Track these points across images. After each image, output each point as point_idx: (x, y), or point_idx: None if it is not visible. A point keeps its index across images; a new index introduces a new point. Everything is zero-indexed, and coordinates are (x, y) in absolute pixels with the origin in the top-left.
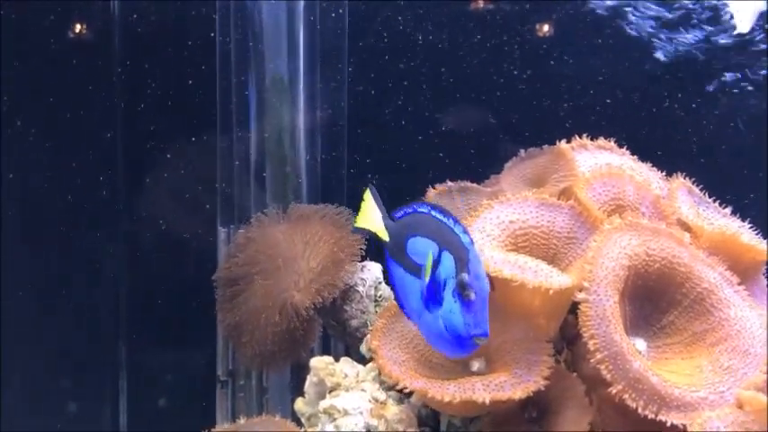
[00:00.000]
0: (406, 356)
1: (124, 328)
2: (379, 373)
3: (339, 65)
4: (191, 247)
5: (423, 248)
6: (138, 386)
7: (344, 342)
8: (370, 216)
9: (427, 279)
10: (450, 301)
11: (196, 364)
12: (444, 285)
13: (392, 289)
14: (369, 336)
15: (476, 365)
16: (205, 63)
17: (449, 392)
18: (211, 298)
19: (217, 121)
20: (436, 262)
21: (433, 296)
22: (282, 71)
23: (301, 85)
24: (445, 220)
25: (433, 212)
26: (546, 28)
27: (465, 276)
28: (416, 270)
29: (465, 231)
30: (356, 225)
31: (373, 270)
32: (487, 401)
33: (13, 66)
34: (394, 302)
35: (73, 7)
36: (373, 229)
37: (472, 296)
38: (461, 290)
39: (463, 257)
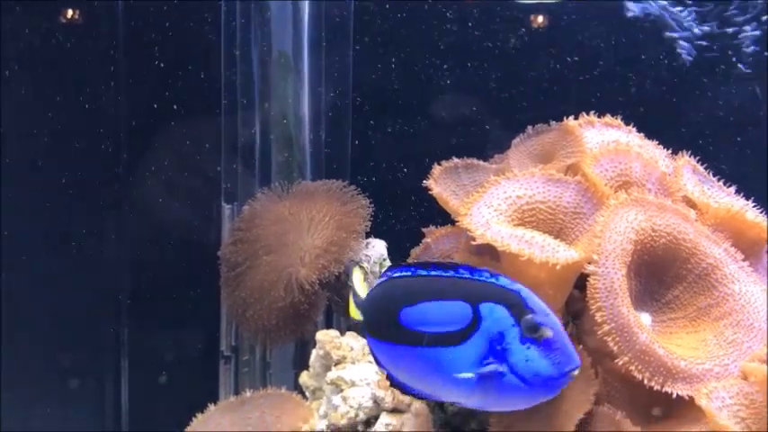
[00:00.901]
0: None
1: (126, 305)
2: None
3: (344, 41)
4: (194, 223)
5: (439, 314)
6: (141, 362)
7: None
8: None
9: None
10: (520, 350)
11: (199, 340)
12: (502, 339)
13: (387, 376)
14: None
15: None
16: (210, 40)
17: None
18: (215, 274)
19: (221, 97)
20: (474, 320)
21: (488, 356)
22: (288, 48)
23: (306, 63)
24: (460, 273)
25: (434, 272)
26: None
27: (531, 317)
28: (428, 341)
29: (494, 275)
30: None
31: (378, 247)
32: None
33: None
34: None
35: None
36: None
37: (549, 333)
38: (533, 333)
39: (515, 301)
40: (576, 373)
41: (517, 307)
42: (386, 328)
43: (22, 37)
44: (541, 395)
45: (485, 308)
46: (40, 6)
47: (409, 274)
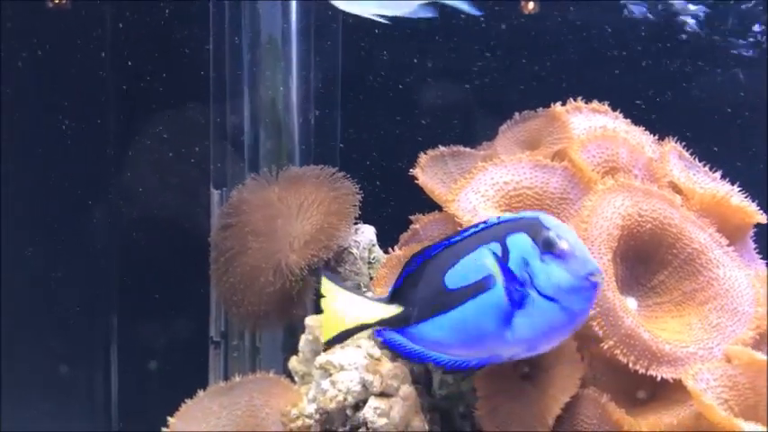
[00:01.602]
0: None
1: (115, 292)
2: None
3: (333, 25)
4: (183, 209)
5: (477, 263)
6: (131, 349)
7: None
8: (348, 308)
9: (500, 279)
10: (541, 269)
11: (188, 326)
12: (527, 264)
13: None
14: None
15: None
16: (198, 24)
17: None
18: (203, 259)
19: (209, 82)
20: (503, 255)
21: (517, 284)
22: (277, 33)
23: (294, 47)
24: (487, 224)
25: (464, 234)
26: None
27: (545, 233)
28: (473, 290)
29: (510, 218)
30: (328, 339)
31: (367, 232)
32: None
33: None
34: (394, 254)
35: None
36: (364, 322)
37: (564, 244)
38: (550, 248)
39: (534, 224)
40: (598, 278)
41: (535, 228)
42: (432, 300)
43: (7, 24)
44: (574, 314)
45: (510, 240)
46: None
47: (438, 248)
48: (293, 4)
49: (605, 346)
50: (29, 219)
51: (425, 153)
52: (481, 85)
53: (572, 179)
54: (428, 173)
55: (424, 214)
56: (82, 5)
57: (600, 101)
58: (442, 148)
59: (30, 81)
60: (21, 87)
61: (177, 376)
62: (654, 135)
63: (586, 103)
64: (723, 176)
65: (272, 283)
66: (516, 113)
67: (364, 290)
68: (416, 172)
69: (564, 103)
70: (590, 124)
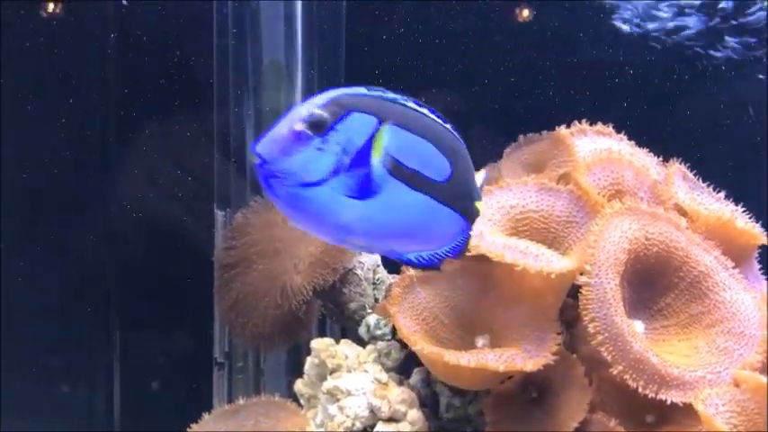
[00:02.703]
0: (417, 327)
1: (118, 310)
2: (380, 355)
3: (338, 48)
4: (187, 229)
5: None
6: (133, 368)
7: (341, 325)
8: None
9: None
10: None
11: (191, 346)
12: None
13: None
14: (368, 317)
15: (480, 341)
16: (203, 43)
17: (464, 359)
18: (207, 280)
19: (214, 103)
20: None
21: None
22: (280, 56)
23: (299, 69)
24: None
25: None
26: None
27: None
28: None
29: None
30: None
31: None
32: (501, 369)
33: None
34: (407, 274)
35: None
36: None
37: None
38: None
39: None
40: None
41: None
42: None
43: (10, 29)
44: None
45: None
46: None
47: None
48: (299, 28)
49: (614, 371)
50: (29, 236)
51: None
52: (488, 105)
53: (578, 202)
54: None
55: None
56: (84, 19)
57: (603, 120)
58: None
59: (26, 97)
60: (16, 102)
61: (180, 397)
62: (658, 157)
63: (591, 125)
64: (727, 197)
65: (277, 306)
66: (521, 136)
67: (369, 311)
68: None
69: (568, 126)
70: (595, 147)
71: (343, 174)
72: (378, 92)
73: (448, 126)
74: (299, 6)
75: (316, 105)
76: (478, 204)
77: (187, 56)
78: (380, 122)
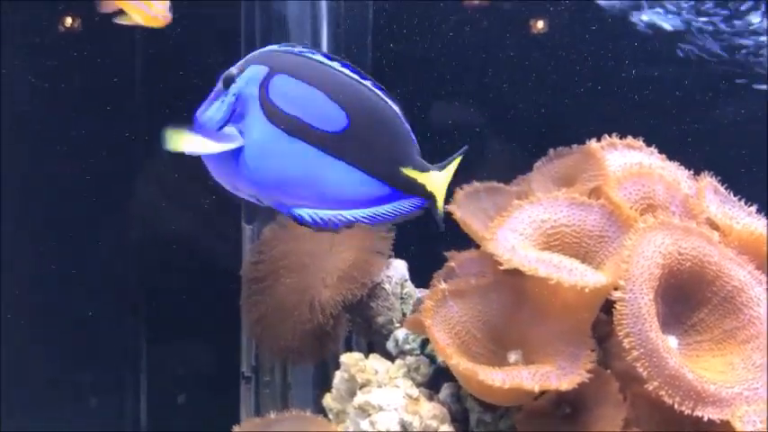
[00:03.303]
0: (450, 341)
1: (145, 324)
2: (409, 370)
3: (363, 64)
4: (214, 243)
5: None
6: (160, 382)
7: (368, 339)
8: None
9: None
10: None
11: (218, 360)
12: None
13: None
14: (397, 332)
15: (513, 357)
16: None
17: (498, 378)
18: (234, 294)
19: None
20: None
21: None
22: None
23: None
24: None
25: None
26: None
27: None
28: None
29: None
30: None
31: (399, 267)
32: (536, 390)
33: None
34: (438, 287)
35: None
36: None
37: None
38: None
39: None
40: None
41: None
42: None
43: (33, 33)
44: None
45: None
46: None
47: None
48: (324, 39)
49: (650, 387)
50: (56, 250)
51: (460, 188)
52: (515, 112)
53: (610, 217)
54: (464, 209)
55: (458, 251)
56: (111, 42)
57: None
58: (476, 184)
59: (50, 114)
60: (41, 118)
61: (207, 411)
62: (689, 170)
63: (621, 138)
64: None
65: (307, 320)
66: (551, 149)
67: (397, 325)
68: (452, 208)
69: (599, 139)
70: (625, 161)
71: (231, 121)
72: (305, 50)
73: (367, 83)
74: (324, 11)
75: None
76: (411, 173)
77: (214, 65)
78: (270, 72)
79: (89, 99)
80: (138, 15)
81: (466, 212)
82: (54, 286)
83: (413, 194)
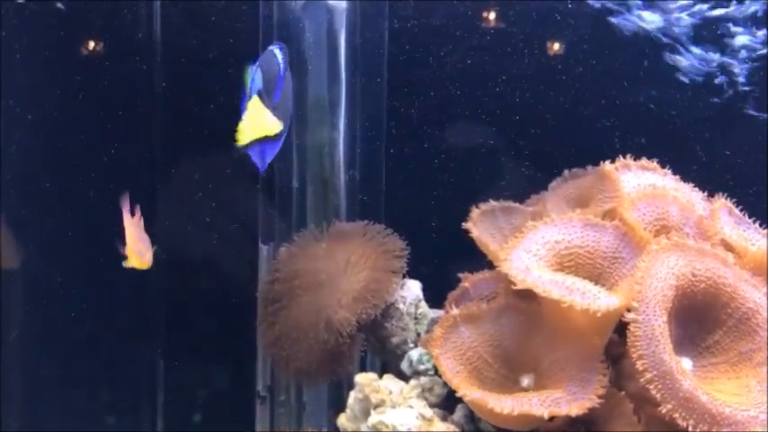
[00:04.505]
0: (461, 368)
1: (162, 344)
2: (423, 390)
3: (378, 80)
4: (230, 262)
5: None
6: (176, 401)
7: (383, 359)
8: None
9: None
10: None
11: (234, 379)
12: None
13: None
14: (411, 352)
15: (525, 381)
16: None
17: (507, 405)
18: (250, 313)
19: None
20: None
21: None
22: (323, 92)
23: (342, 106)
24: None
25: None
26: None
27: None
28: None
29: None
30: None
31: (413, 288)
32: (546, 416)
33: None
34: (450, 314)
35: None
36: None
37: None
38: None
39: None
40: None
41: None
42: None
43: (57, 41)
44: None
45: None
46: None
47: None
48: (342, 68)
49: (663, 410)
50: (77, 270)
51: (477, 207)
52: (530, 136)
53: (623, 238)
54: (480, 227)
55: (471, 273)
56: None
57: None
58: (492, 203)
59: (67, 135)
60: (58, 136)
61: (223, 430)
62: (703, 191)
63: (635, 160)
64: None
65: (323, 340)
66: (566, 170)
67: (411, 345)
68: (469, 226)
69: (613, 161)
70: (639, 182)
71: None
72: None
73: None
74: (342, 43)
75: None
76: None
77: (232, 92)
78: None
79: (110, 119)
80: None
81: (482, 231)
82: (73, 305)
83: None
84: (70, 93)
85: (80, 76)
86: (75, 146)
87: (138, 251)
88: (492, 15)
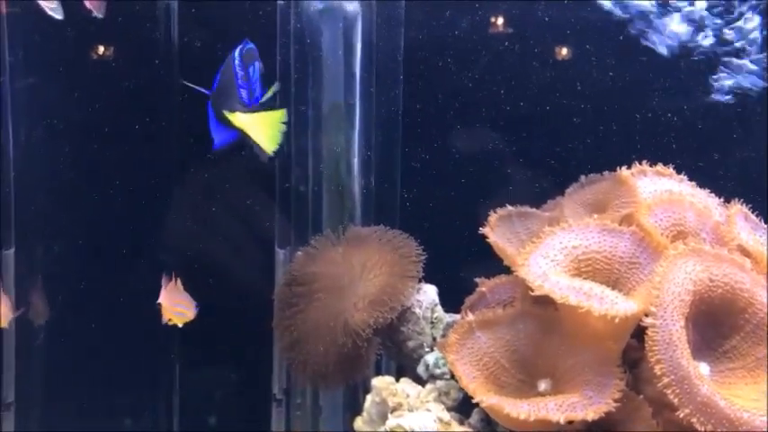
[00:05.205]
0: (477, 373)
1: (178, 346)
2: (440, 394)
3: (394, 85)
4: (246, 266)
5: None
6: (192, 404)
7: (399, 363)
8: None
9: None
10: None
11: (250, 382)
12: None
13: None
14: (427, 356)
15: (542, 386)
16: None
17: (524, 410)
18: (266, 316)
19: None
20: None
21: None
22: (339, 97)
23: (357, 111)
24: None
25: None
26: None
27: None
28: None
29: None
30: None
31: (429, 292)
32: (562, 421)
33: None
34: (465, 320)
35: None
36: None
37: None
38: None
39: None
40: None
41: None
42: None
43: (73, 46)
44: None
45: None
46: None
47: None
48: (357, 76)
49: (681, 415)
50: (93, 273)
51: (494, 212)
52: (550, 142)
53: (641, 243)
54: (497, 232)
55: (487, 278)
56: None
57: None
58: (509, 208)
59: (85, 141)
60: (80, 144)
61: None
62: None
63: (651, 165)
64: None
65: (340, 344)
66: (582, 176)
67: (427, 350)
68: (486, 231)
69: (629, 166)
70: (655, 188)
71: None
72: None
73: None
74: (358, 48)
75: None
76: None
77: None
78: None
79: (125, 123)
80: None
81: (499, 236)
82: (89, 309)
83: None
84: (85, 97)
85: (96, 80)
86: (91, 148)
87: (178, 314)
88: (509, 20)
